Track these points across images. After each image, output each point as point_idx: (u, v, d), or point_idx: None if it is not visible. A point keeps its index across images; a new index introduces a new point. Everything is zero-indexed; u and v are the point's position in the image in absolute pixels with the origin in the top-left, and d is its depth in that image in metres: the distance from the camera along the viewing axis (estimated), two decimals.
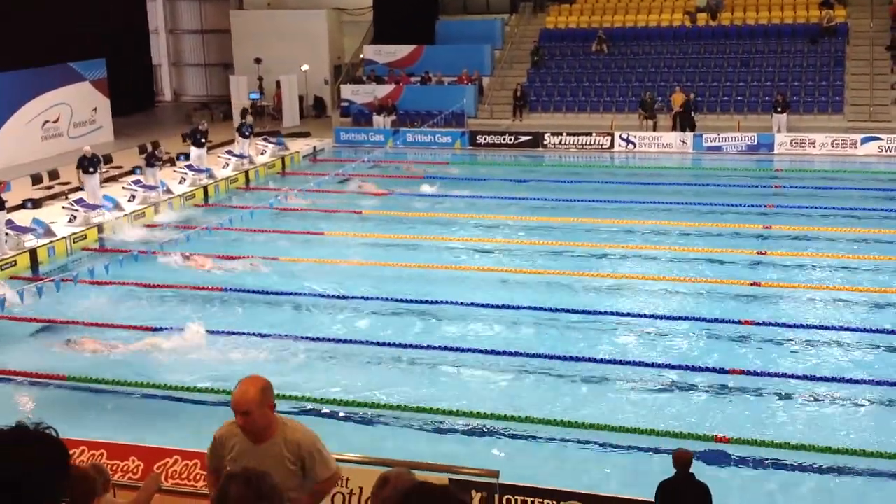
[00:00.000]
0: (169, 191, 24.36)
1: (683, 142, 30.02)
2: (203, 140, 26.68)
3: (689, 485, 8.51)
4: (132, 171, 25.75)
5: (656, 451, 11.00)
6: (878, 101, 30.75)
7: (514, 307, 16.12)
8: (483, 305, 16.11)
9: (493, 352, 14.13)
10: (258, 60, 37.05)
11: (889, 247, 18.99)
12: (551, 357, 13.82)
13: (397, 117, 33.72)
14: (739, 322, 15.02)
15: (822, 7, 33.90)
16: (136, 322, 15.63)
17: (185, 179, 25.44)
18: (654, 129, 30.42)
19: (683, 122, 30.12)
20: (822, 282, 17.15)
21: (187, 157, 26.76)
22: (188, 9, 43.88)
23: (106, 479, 5.70)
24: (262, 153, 29.17)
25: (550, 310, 15.73)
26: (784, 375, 13.09)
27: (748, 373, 13.12)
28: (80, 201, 22.08)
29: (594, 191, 24.83)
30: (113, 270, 17.52)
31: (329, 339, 14.71)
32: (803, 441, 11.18)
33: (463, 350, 14.22)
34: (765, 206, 22.90)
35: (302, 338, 14.77)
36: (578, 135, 30.89)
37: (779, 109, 29.84)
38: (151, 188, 23.95)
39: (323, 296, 16.80)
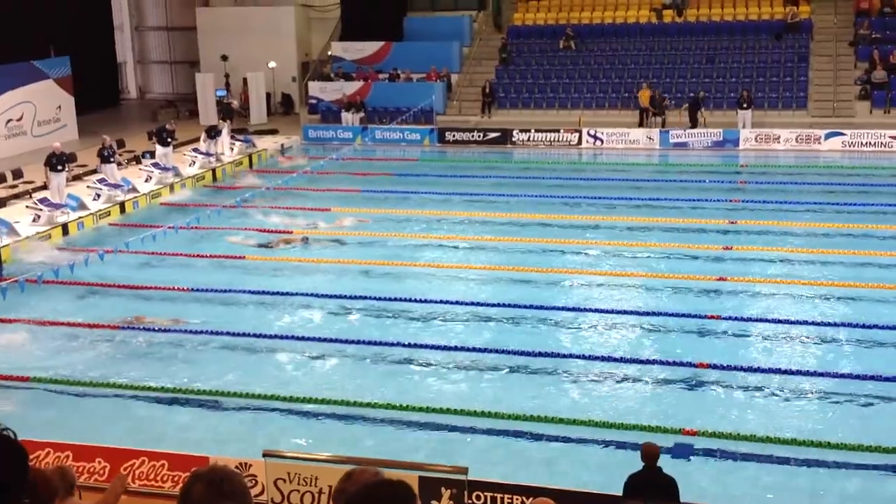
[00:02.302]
0: (134, 189, 24.16)
1: (650, 138, 30.21)
2: (169, 140, 26.50)
3: (656, 478, 8.58)
4: (96, 170, 25.49)
5: (624, 445, 11.07)
6: (841, 96, 31.09)
7: (481, 304, 16.17)
8: (450, 302, 16.13)
9: (460, 348, 14.16)
10: (225, 57, 36.80)
11: (853, 241, 19.21)
12: (520, 353, 13.87)
13: (366, 114, 33.63)
14: (706, 316, 15.15)
15: (787, 3, 34.22)
16: (103, 321, 15.50)
17: (150, 178, 25.23)
18: (664, 126, 30.48)
19: (693, 117, 30.18)
20: (787, 276, 17.33)
21: (153, 154, 26.55)
22: (153, 5, 43.49)
23: (71, 482, 5.63)
24: (230, 150, 28.99)
25: (518, 306, 15.79)
26: (750, 369, 13.22)
27: (715, 366, 13.23)
28: (43, 200, 21.85)
29: (562, 187, 24.93)
30: (78, 271, 17.35)
31: (300, 338, 14.67)
32: (769, 433, 11.31)
33: (431, 347, 14.23)
34: (730, 202, 23.11)
35: (272, 336, 14.72)
36: (547, 131, 30.99)
37: (744, 105, 30.09)
38: (116, 187, 23.74)
39: (289, 294, 16.71)
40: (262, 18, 37.87)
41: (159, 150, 26.32)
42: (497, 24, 36.40)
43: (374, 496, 3.40)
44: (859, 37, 32.57)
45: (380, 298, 16.35)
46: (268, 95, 37.20)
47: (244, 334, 14.83)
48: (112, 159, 24.41)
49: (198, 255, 19.19)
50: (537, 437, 11.57)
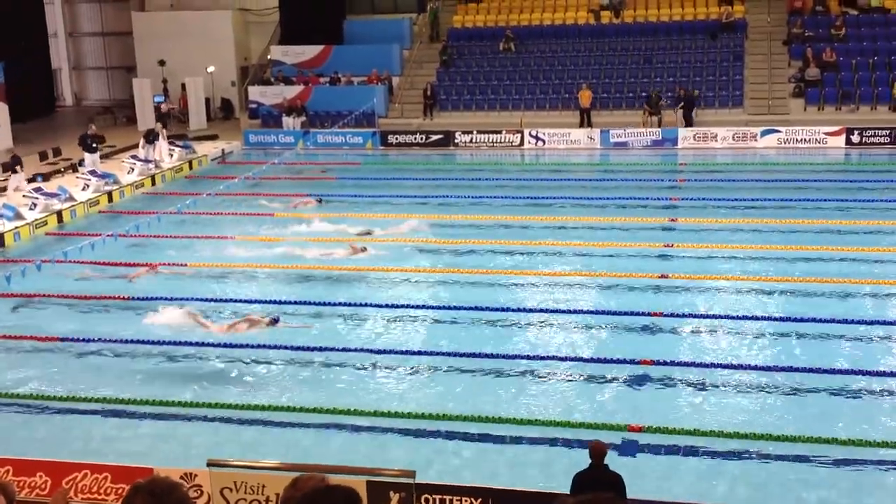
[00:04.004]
0: (71, 198, 23.74)
1: (591, 138, 30.50)
2: (95, 145, 26.14)
3: (603, 476, 8.65)
4: (33, 179, 25.02)
5: (571, 443, 11.15)
6: (776, 94, 31.69)
7: (423, 306, 16.18)
8: (392, 305, 16.11)
9: (406, 352, 14.14)
10: (162, 63, 36.35)
11: (790, 236, 19.59)
12: (463, 355, 13.88)
13: (307, 118, 33.45)
14: (649, 314, 15.32)
15: (721, 3, 34.79)
16: (39, 333, 15.19)
17: (88, 186, 24.80)
18: (659, 125, 30.65)
19: (688, 115, 30.39)
20: (728, 272, 17.61)
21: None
22: (88, 11, 42.78)
23: (11, 497, 5.52)
24: (168, 156, 28.62)
25: (461, 307, 15.82)
26: (693, 364, 13.40)
27: (658, 363, 13.39)
28: None
29: (505, 188, 25.06)
30: (15, 281, 16.98)
31: (241, 345, 14.52)
32: (714, 427, 11.47)
33: (377, 351, 14.19)
34: (670, 200, 23.41)
35: (222, 345, 14.56)
36: (489, 133, 31.12)
37: (681, 105, 30.53)
38: (53, 196, 23.31)
39: (233, 301, 16.55)
40: (200, 23, 37.47)
41: (87, 157, 25.97)
42: (432, 35, 36.39)
43: (319, 502, 3.40)
44: (793, 35, 33.24)
45: (319, 303, 16.25)
46: (207, 100, 36.80)
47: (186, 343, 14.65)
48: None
49: (135, 264, 18.90)
50: (483, 438, 11.59)
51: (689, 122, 30.34)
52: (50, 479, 10.11)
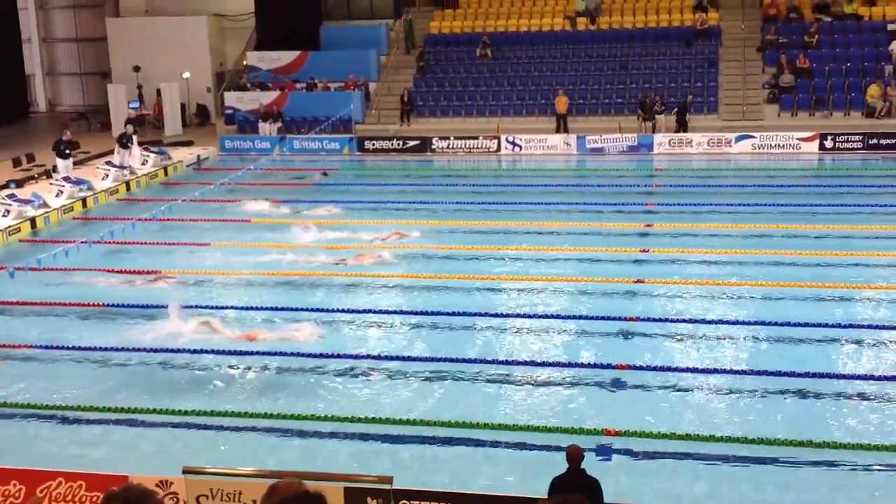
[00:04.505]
0: (45, 204, 23.55)
1: (567, 144, 30.60)
2: (68, 151, 25.96)
3: (580, 480, 8.68)
4: (6, 185, 24.82)
5: (548, 448, 11.16)
6: (750, 100, 31.94)
7: (401, 311, 16.17)
8: (371, 311, 16.09)
9: (382, 356, 14.12)
10: (137, 68, 36.16)
11: (765, 241, 19.73)
12: (441, 360, 13.90)
13: (283, 124, 33.38)
14: (625, 318, 15.38)
15: (696, 10, 35.05)
16: (8, 341, 15.06)
17: (62, 192, 24.62)
18: (654, 131, 30.73)
19: (682, 121, 30.49)
20: (703, 277, 17.70)
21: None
22: (62, 17, 42.48)
23: None
24: (143, 163, 28.46)
25: (439, 313, 15.82)
26: (669, 368, 13.47)
27: (634, 367, 13.44)
28: None
29: (482, 193, 25.10)
30: None
31: (219, 352, 14.45)
32: (690, 431, 11.53)
33: (355, 356, 14.16)
34: (646, 205, 23.53)
35: (197, 351, 14.48)
36: (466, 139, 31.17)
37: (657, 111, 30.70)
38: (27, 202, 23.12)
39: (208, 307, 16.46)
40: (175, 28, 37.31)
41: (60, 163, 25.81)
42: (408, 46, 36.38)
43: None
44: (766, 42, 33.52)
45: (297, 309, 16.20)
46: (182, 106, 36.64)
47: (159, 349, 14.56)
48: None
49: (111, 271, 18.77)
50: (461, 443, 11.59)
51: (683, 128, 30.45)
52: (24, 486, 10.00)
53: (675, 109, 30.60)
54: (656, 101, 30.96)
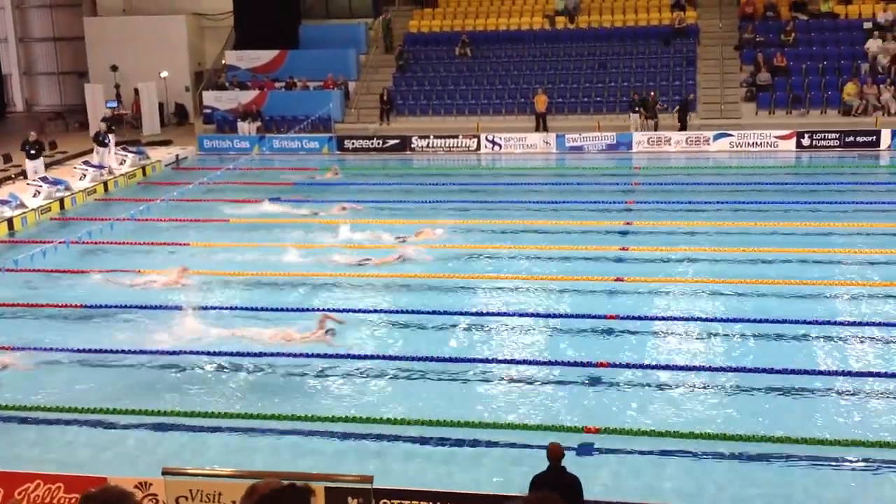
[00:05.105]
0: (22, 205, 23.38)
1: (547, 142, 30.67)
2: (33, 151, 25.80)
3: (561, 477, 8.70)
4: None
5: (529, 445, 11.19)
6: (728, 98, 32.12)
7: (383, 310, 16.15)
8: (354, 310, 16.06)
9: (361, 356, 14.10)
10: (114, 68, 35.95)
11: (743, 238, 19.83)
12: (422, 359, 13.89)
13: (262, 123, 33.27)
14: (605, 316, 15.43)
15: (674, 9, 35.21)
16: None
17: (39, 193, 24.44)
18: (656, 129, 30.71)
19: (683, 119, 30.49)
20: (682, 274, 17.79)
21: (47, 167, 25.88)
22: (39, 16, 42.19)
23: None
24: (121, 163, 28.30)
25: (420, 311, 15.82)
26: (649, 366, 13.53)
27: (614, 365, 13.49)
28: None
29: (462, 192, 25.11)
30: None
31: (198, 352, 14.39)
32: (670, 428, 11.58)
33: (332, 356, 14.12)
34: (625, 203, 23.62)
35: (174, 352, 14.41)
36: (445, 138, 31.17)
37: (636, 109, 30.82)
38: (3, 203, 22.94)
39: (186, 308, 16.38)
40: (153, 27, 37.13)
41: (28, 164, 25.68)
42: (387, 45, 36.34)
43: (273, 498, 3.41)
44: (744, 40, 33.71)
45: (271, 309, 16.16)
46: (161, 106, 36.46)
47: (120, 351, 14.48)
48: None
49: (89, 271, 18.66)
50: (442, 442, 11.60)
51: (683, 126, 30.52)
52: (2, 489, 9.93)
53: (677, 108, 30.69)
54: (658, 99, 31.03)
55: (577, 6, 36.04)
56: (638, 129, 30.58)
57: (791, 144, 29.55)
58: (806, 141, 29.48)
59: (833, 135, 29.42)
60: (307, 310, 16.04)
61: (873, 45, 32.20)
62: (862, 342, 14.42)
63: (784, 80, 31.89)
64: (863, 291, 16.62)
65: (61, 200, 24.66)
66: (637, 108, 30.77)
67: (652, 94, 31.11)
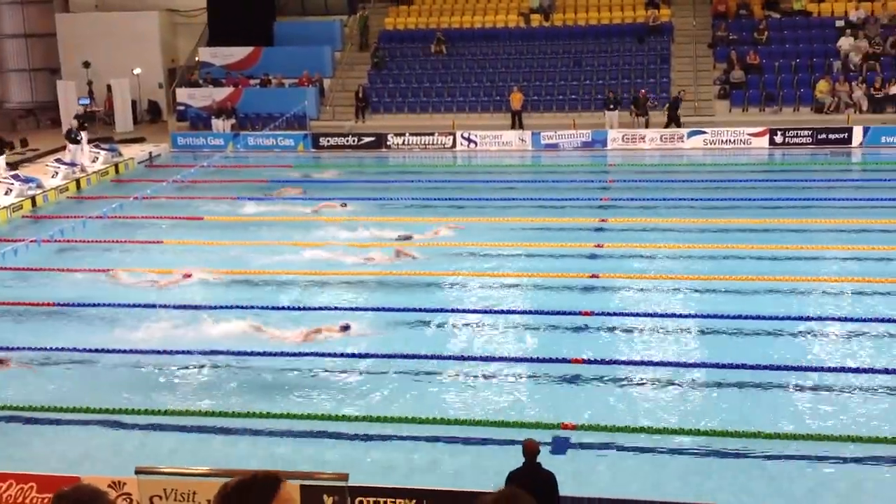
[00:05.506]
0: None
1: (522, 140, 30.72)
2: None
3: (537, 474, 8.72)
4: None
5: (504, 442, 11.20)
6: (702, 96, 32.31)
7: (360, 308, 16.12)
8: (328, 308, 16.02)
9: (338, 354, 14.06)
10: (87, 64, 35.65)
11: (717, 235, 19.95)
12: (396, 356, 13.87)
13: (237, 121, 33.11)
14: (579, 313, 15.48)
15: (648, 7, 35.36)
16: None
17: (10, 191, 24.21)
18: (647, 126, 30.74)
19: (674, 115, 30.52)
20: (657, 271, 17.87)
21: (11, 166, 25.59)
22: (10, 12, 41.65)
23: None
24: (94, 160, 28.07)
25: (394, 309, 15.79)
26: (624, 362, 13.58)
27: (590, 361, 13.53)
28: None
29: (438, 189, 25.11)
30: None
31: (171, 352, 14.30)
32: (646, 424, 11.63)
33: (307, 354, 14.08)
34: (600, 200, 23.70)
35: (149, 352, 14.31)
36: (421, 135, 31.15)
37: (611, 107, 30.94)
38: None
39: (161, 306, 16.28)
40: (125, 24, 36.86)
41: None
42: (362, 42, 36.26)
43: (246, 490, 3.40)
44: (717, 38, 33.92)
45: (246, 307, 16.09)
46: (133, 103, 36.20)
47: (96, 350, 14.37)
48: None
49: (62, 270, 18.50)
50: (417, 439, 11.59)
51: (676, 123, 30.62)
52: None
53: (667, 105, 30.82)
54: (648, 97, 31.13)
55: (552, 4, 36.13)
56: (613, 127, 30.70)
57: (764, 142, 29.77)
58: (779, 138, 29.71)
59: (805, 132, 29.66)
60: (283, 308, 15.99)
61: (845, 42, 32.49)
62: (836, 338, 14.54)
63: (757, 77, 32.12)
64: (836, 287, 16.76)
65: (33, 198, 24.43)
66: (612, 106, 30.88)
67: (642, 91, 31.24)
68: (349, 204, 23.01)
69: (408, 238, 19.88)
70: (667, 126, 30.51)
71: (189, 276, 17.67)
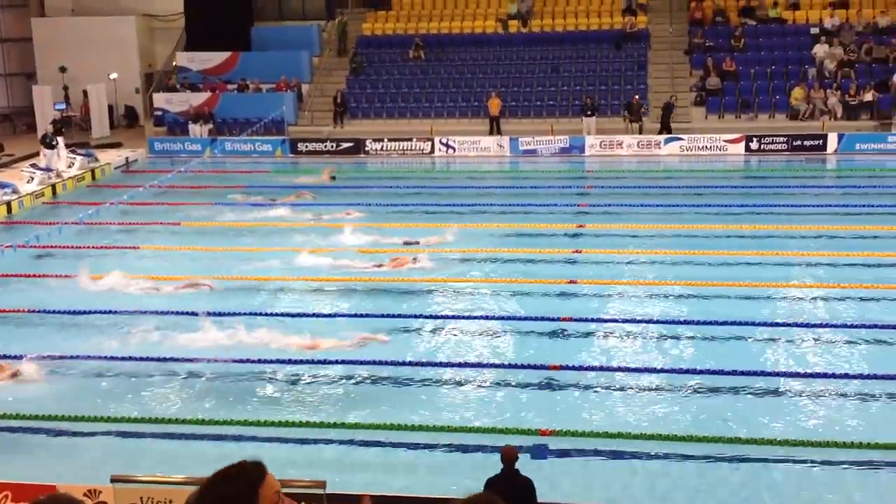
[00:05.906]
0: None
1: (500, 146, 30.80)
2: None
3: (514, 480, 8.75)
4: None
5: (482, 448, 11.21)
6: (678, 102, 32.47)
7: (337, 314, 16.09)
8: (306, 315, 15.98)
9: (313, 361, 14.02)
10: (63, 69, 35.42)
11: (693, 241, 20.07)
12: (374, 363, 13.85)
13: (214, 126, 32.99)
14: (557, 319, 15.52)
15: (625, 14, 35.56)
16: None
17: None
18: (640, 132, 30.84)
19: (666, 121, 30.65)
20: (634, 277, 17.95)
21: None
22: None
23: None
24: (70, 166, 27.88)
25: (372, 315, 15.77)
26: (602, 368, 13.63)
27: (567, 367, 13.56)
28: None
29: (417, 195, 25.11)
30: None
31: (148, 359, 14.22)
32: (623, 430, 11.67)
33: (284, 362, 14.03)
34: (578, 206, 23.79)
35: (125, 358, 14.22)
36: (399, 140, 31.16)
37: (588, 113, 31.07)
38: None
39: (140, 312, 16.20)
40: (102, 28, 36.69)
41: None
42: (340, 48, 36.25)
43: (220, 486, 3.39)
44: (694, 45, 34.15)
45: (231, 314, 16.03)
46: (110, 108, 36.01)
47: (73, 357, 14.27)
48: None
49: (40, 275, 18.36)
50: (395, 446, 11.58)
51: (667, 129, 30.74)
52: None
53: (662, 110, 30.95)
54: (641, 102, 31.26)
55: (529, 10, 36.27)
56: (591, 133, 30.84)
57: (740, 148, 29.99)
58: (754, 145, 29.94)
59: (781, 139, 29.92)
60: (262, 314, 15.94)
61: (820, 50, 32.80)
62: (810, 343, 14.65)
63: (733, 84, 32.36)
64: (812, 293, 16.90)
65: (8, 204, 24.24)
66: (589, 112, 31.02)
67: (635, 97, 31.38)
68: (352, 211, 22.92)
69: (415, 244, 19.86)
70: (660, 132, 30.69)
71: (196, 285, 17.53)
